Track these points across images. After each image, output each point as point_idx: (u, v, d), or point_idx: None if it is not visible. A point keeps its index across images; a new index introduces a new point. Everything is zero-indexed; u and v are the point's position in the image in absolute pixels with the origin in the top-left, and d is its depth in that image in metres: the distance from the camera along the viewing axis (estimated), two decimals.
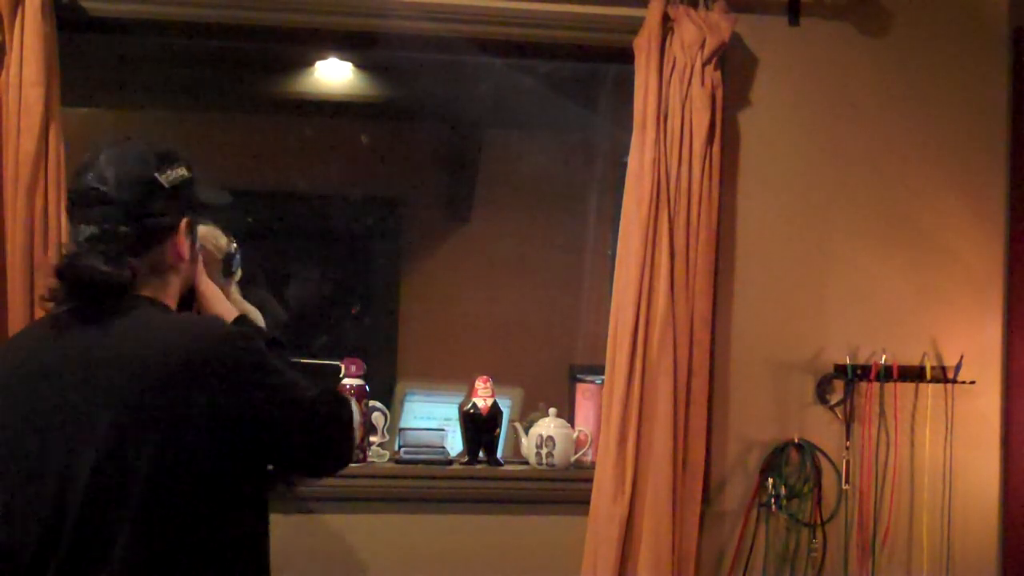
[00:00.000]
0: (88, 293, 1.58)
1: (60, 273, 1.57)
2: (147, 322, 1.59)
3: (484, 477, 2.83)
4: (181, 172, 1.65)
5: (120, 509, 1.49)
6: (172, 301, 1.70)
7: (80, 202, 1.61)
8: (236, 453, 1.57)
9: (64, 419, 1.52)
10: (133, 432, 1.50)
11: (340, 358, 2.90)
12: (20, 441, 1.54)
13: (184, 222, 1.67)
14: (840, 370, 2.86)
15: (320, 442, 1.67)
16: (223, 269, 3.57)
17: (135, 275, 1.60)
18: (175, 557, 1.52)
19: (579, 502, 2.74)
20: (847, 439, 2.87)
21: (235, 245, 3.60)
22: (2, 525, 1.54)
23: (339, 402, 1.70)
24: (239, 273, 3.65)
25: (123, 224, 1.59)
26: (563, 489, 2.84)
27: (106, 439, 1.50)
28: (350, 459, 1.75)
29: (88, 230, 1.58)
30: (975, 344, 2.91)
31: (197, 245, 1.77)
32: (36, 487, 1.52)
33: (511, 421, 3.12)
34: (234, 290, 3.66)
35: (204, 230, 3.60)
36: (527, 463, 2.90)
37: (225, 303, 1.90)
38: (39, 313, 2.51)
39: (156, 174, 1.62)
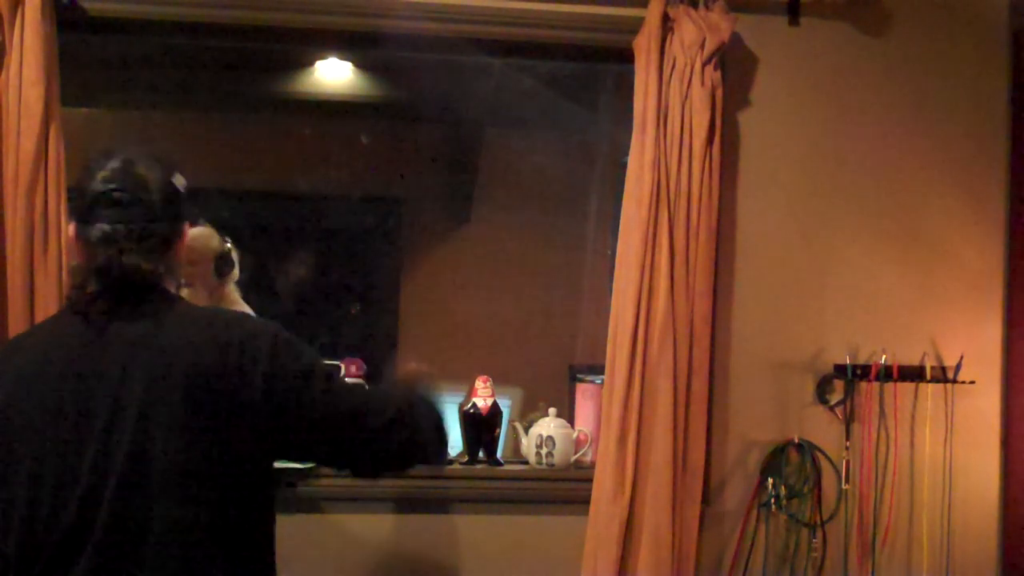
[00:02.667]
0: (128, 290, 1.65)
1: (102, 270, 1.64)
2: (193, 316, 1.69)
3: (484, 477, 2.83)
4: (183, 180, 1.76)
5: (162, 495, 1.57)
6: None
7: (103, 202, 1.67)
8: (277, 445, 1.68)
9: (105, 411, 1.58)
10: (186, 423, 1.58)
11: (340, 358, 2.90)
12: (50, 432, 1.59)
13: (187, 227, 1.77)
14: (840, 370, 2.86)
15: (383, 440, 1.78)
16: (215, 270, 3.59)
17: (161, 274, 1.69)
18: (207, 546, 1.60)
19: (579, 502, 2.74)
20: (847, 439, 2.87)
21: (228, 246, 3.61)
22: (30, 514, 1.57)
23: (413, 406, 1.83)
24: (236, 274, 3.66)
25: (155, 223, 1.69)
26: (563, 489, 2.84)
27: (157, 429, 1.57)
28: (420, 461, 1.89)
29: (116, 229, 1.66)
30: (975, 344, 2.91)
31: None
32: (71, 476, 1.57)
33: (511, 421, 3.12)
34: (232, 289, 3.67)
35: (196, 231, 3.62)
36: (527, 463, 2.90)
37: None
38: (39, 312, 2.51)
39: (172, 179, 1.74)
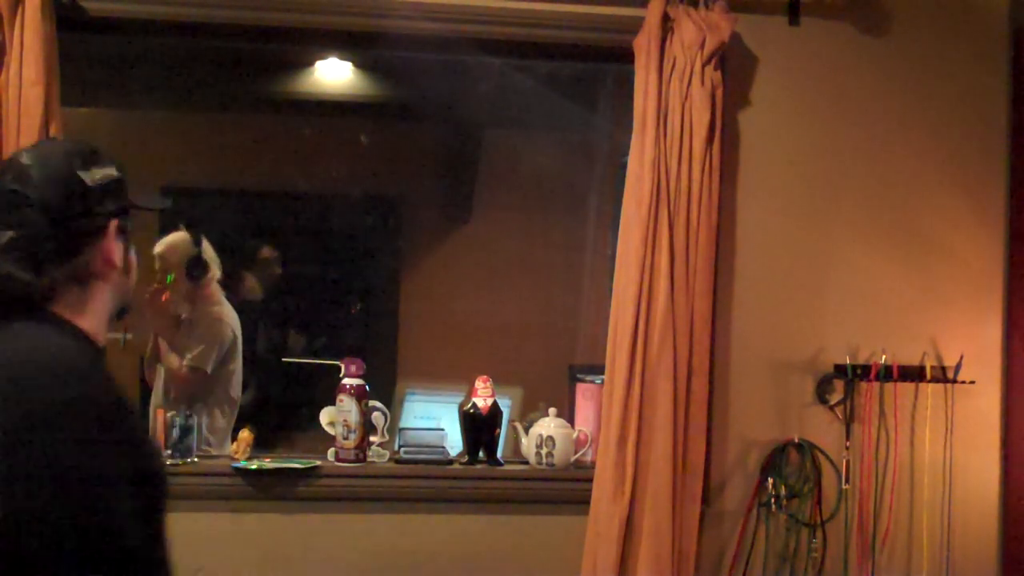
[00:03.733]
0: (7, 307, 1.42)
1: None
2: (25, 347, 1.39)
3: (484, 477, 2.83)
4: (108, 172, 1.51)
5: None
6: (94, 316, 1.50)
7: (2, 203, 1.44)
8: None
9: None
10: None
11: (340, 358, 2.90)
12: None
13: (113, 225, 1.50)
14: (840, 370, 2.86)
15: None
16: (187, 274, 3.62)
17: (54, 286, 1.44)
18: None
19: (579, 502, 2.74)
20: (847, 439, 2.87)
21: (201, 248, 3.63)
22: None
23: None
24: (216, 272, 3.68)
25: (45, 227, 1.44)
26: (563, 489, 2.84)
27: None
28: None
29: (6, 235, 1.42)
30: (975, 344, 2.91)
31: (132, 253, 1.57)
32: None
33: (511, 421, 3.12)
34: (215, 289, 3.69)
35: (168, 239, 3.65)
36: (527, 463, 2.90)
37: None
38: None
39: (80, 172, 1.48)
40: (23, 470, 1.28)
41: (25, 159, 1.47)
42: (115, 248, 1.50)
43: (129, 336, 3.44)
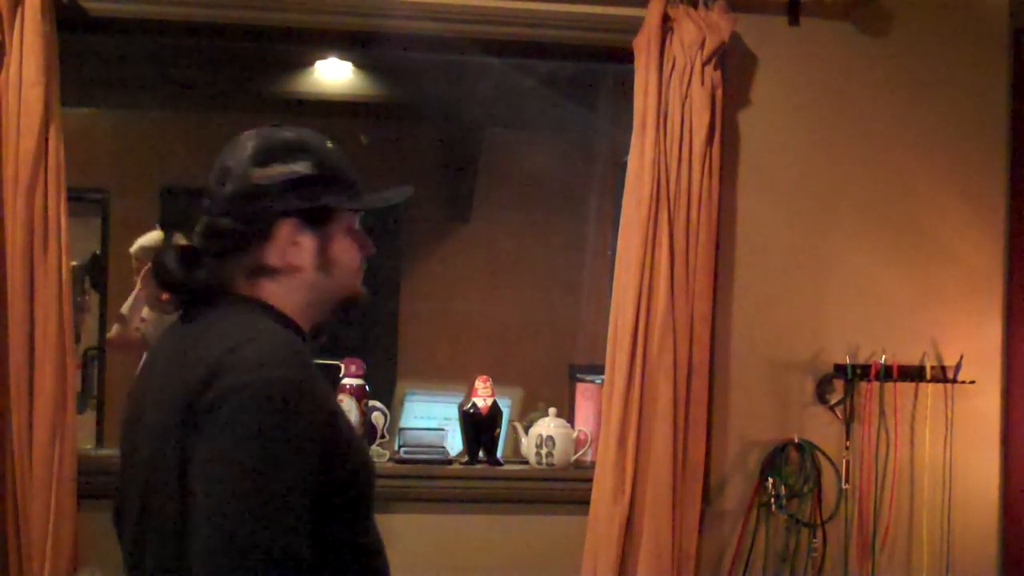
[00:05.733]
0: (175, 293, 1.48)
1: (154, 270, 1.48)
2: (214, 331, 1.42)
3: (484, 477, 2.83)
4: (291, 168, 1.46)
5: (151, 519, 1.41)
6: (293, 309, 1.49)
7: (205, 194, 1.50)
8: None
9: (140, 424, 1.46)
10: (165, 449, 1.38)
11: (340, 358, 2.90)
12: (124, 439, 1.52)
13: (289, 224, 1.46)
14: (840, 370, 2.86)
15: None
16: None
17: (234, 278, 1.47)
18: None
19: (579, 502, 2.74)
20: (847, 439, 2.87)
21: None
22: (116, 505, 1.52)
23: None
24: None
25: (220, 220, 1.46)
26: (563, 489, 2.84)
27: (151, 452, 1.40)
28: None
29: (199, 224, 1.49)
30: (975, 344, 2.91)
31: (339, 248, 1.52)
32: (126, 484, 1.49)
33: (511, 421, 3.12)
34: None
35: (143, 238, 3.64)
36: (527, 463, 2.90)
37: None
38: (39, 312, 2.52)
39: (252, 169, 1.46)
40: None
41: (225, 150, 1.50)
42: (294, 245, 1.47)
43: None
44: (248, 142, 1.49)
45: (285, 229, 1.46)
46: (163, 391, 1.41)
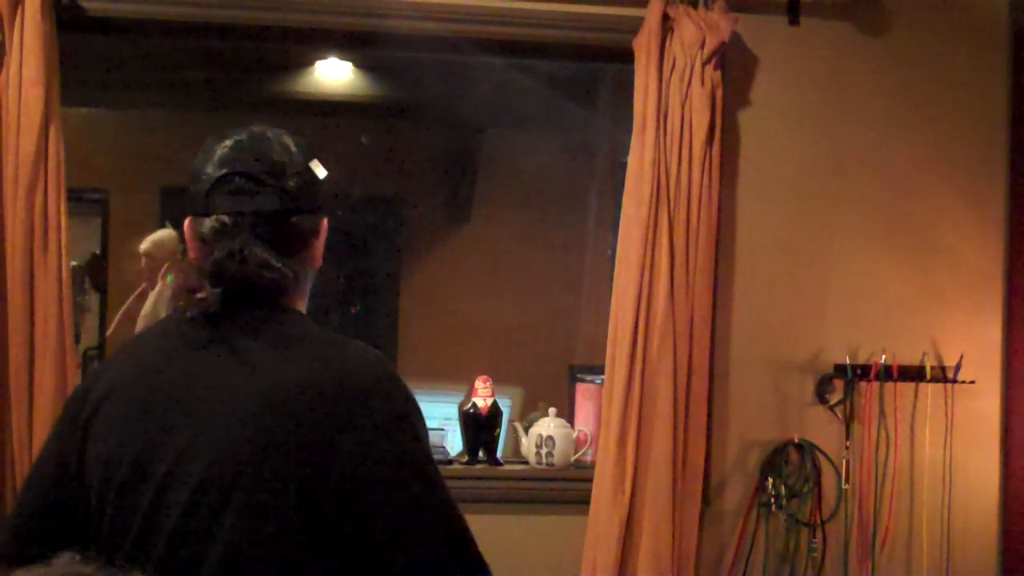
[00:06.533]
0: (244, 296, 1.36)
1: (216, 269, 1.35)
2: (303, 348, 1.36)
3: (484, 477, 2.83)
4: (322, 167, 1.47)
5: (214, 527, 1.31)
6: (304, 308, 1.49)
7: (224, 189, 1.38)
8: (334, 531, 1.33)
9: (184, 429, 1.34)
10: (247, 463, 1.31)
11: None
12: (134, 439, 1.37)
13: (325, 222, 1.48)
14: (840, 370, 2.86)
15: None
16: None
17: (296, 276, 1.41)
18: None
19: (579, 502, 2.74)
20: (847, 439, 2.87)
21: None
22: (107, 514, 1.38)
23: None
24: None
25: (278, 216, 1.39)
26: (563, 489, 2.84)
27: (220, 460, 1.32)
28: None
29: (233, 220, 1.36)
30: (975, 344, 2.91)
31: None
32: (142, 485, 1.36)
33: (511, 421, 3.12)
34: None
35: (158, 235, 3.63)
36: (527, 463, 2.90)
37: None
38: (39, 312, 2.52)
39: (309, 162, 1.44)
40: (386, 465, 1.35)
41: (266, 142, 1.43)
42: (323, 244, 1.49)
43: None
44: (282, 138, 1.45)
45: (324, 225, 1.47)
46: (258, 419, 1.32)
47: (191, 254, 1.44)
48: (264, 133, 1.45)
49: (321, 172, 1.45)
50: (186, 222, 1.44)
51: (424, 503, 1.37)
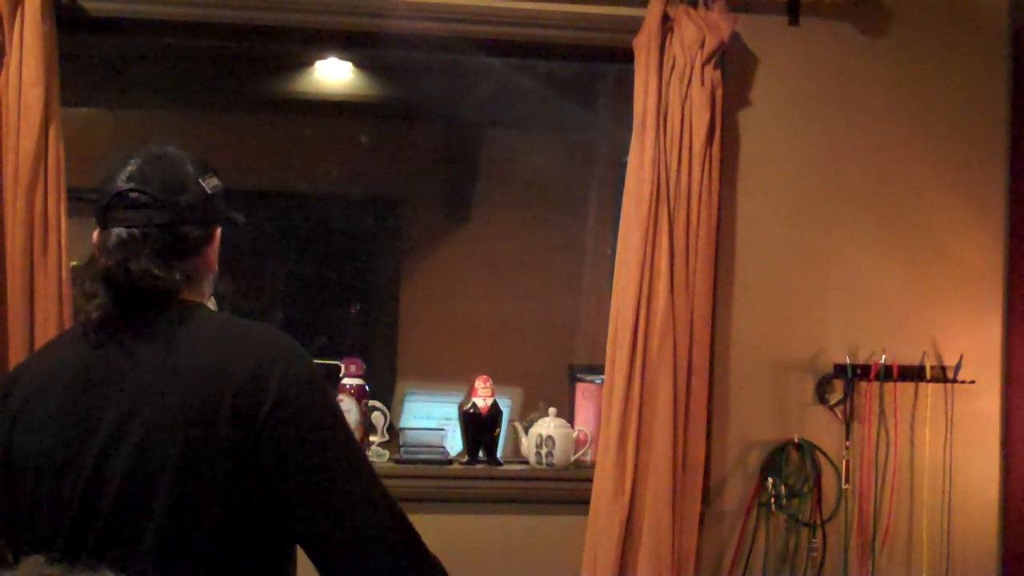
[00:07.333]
0: (138, 300, 1.52)
1: (107, 277, 1.51)
2: (209, 335, 1.53)
3: (484, 477, 2.83)
4: (216, 181, 1.65)
5: (146, 515, 1.45)
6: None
7: (121, 204, 1.56)
8: (263, 508, 1.47)
9: (104, 425, 1.48)
10: (172, 449, 1.45)
11: (340, 358, 2.90)
12: (54, 440, 1.50)
13: (218, 231, 1.66)
14: (840, 370, 2.86)
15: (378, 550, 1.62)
16: None
17: (182, 282, 1.57)
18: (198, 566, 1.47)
19: (579, 502, 2.74)
20: (847, 439, 2.87)
21: None
22: (34, 515, 1.51)
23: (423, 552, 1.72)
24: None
25: (169, 228, 1.56)
26: (563, 489, 2.84)
27: (143, 450, 1.45)
28: None
29: (128, 233, 1.54)
30: (975, 344, 2.91)
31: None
32: (70, 482, 1.48)
33: (511, 421, 3.12)
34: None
35: None
36: (527, 463, 2.90)
37: None
38: (39, 312, 2.52)
39: (200, 180, 1.61)
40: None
41: (148, 163, 1.59)
42: (216, 253, 1.67)
43: None
44: (178, 156, 1.63)
45: (217, 234, 1.66)
46: (172, 404, 1.47)
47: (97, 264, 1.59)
48: (162, 153, 1.62)
49: (212, 188, 1.63)
50: (94, 234, 1.62)
51: (345, 453, 1.51)
